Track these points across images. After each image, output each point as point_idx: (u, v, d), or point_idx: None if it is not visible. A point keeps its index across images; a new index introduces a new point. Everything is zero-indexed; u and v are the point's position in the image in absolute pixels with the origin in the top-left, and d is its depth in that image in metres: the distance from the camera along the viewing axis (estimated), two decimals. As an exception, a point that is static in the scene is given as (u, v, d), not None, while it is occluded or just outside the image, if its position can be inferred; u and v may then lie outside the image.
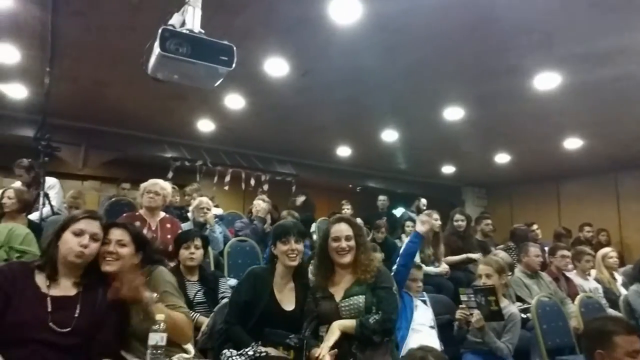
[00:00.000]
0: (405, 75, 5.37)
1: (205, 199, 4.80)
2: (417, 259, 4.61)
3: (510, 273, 4.19)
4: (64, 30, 4.44)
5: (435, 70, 5.23)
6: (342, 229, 2.50)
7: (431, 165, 9.80)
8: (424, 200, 7.84)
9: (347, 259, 2.45)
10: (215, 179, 8.65)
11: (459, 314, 3.15)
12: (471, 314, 3.09)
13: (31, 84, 5.82)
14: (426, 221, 3.22)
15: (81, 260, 1.94)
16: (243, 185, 8.90)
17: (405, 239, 5.65)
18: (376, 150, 8.63)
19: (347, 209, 7.14)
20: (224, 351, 2.22)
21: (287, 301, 2.49)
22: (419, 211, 7.40)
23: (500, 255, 4.24)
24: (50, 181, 5.01)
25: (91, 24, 4.42)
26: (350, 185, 10.62)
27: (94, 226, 1.99)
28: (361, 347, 2.28)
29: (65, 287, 1.93)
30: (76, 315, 1.87)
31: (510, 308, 3.26)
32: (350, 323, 2.31)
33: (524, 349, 3.46)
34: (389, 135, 7.71)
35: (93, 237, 1.97)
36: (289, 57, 5.04)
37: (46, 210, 4.51)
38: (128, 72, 5.26)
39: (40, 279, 1.90)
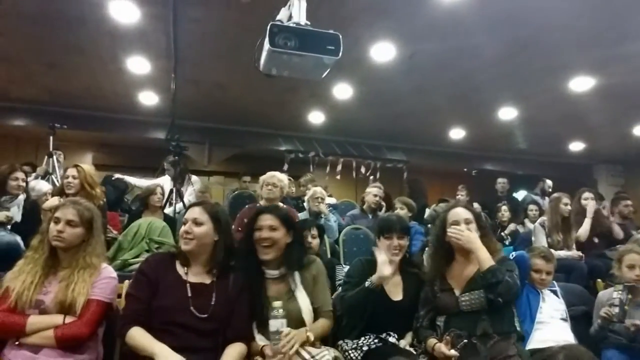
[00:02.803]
0: (523, 47, 4.99)
1: (319, 189, 4.91)
2: (544, 243, 4.26)
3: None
4: (184, 38, 4.83)
5: (557, 39, 4.78)
6: (460, 212, 2.37)
7: (556, 142, 9.02)
8: (549, 182, 7.23)
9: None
10: (328, 168, 8.84)
11: (603, 311, 2.78)
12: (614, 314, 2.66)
13: (160, 90, 6.44)
14: None
15: (189, 247, 2.03)
16: (354, 174, 8.97)
17: (529, 224, 5.26)
18: (492, 130, 8.16)
19: (461, 195, 6.81)
20: (340, 342, 2.30)
21: (395, 291, 2.46)
22: (543, 194, 6.85)
23: (644, 239, 3.76)
24: (194, 178, 5.77)
25: (207, 30, 4.75)
26: (465, 169, 10.16)
27: (194, 212, 2.09)
28: (483, 339, 2.16)
29: (201, 275, 2.07)
30: (212, 302, 2.00)
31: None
32: (488, 257, 2.20)
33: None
34: (507, 113, 7.25)
35: (194, 222, 2.05)
36: (395, 40, 4.94)
37: (180, 205, 4.95)
38: (243, 72, 5.53)
39: (180, 268, 2.07)
